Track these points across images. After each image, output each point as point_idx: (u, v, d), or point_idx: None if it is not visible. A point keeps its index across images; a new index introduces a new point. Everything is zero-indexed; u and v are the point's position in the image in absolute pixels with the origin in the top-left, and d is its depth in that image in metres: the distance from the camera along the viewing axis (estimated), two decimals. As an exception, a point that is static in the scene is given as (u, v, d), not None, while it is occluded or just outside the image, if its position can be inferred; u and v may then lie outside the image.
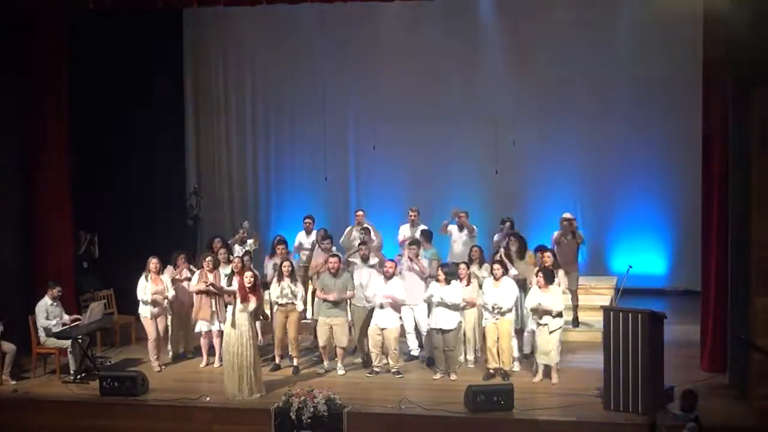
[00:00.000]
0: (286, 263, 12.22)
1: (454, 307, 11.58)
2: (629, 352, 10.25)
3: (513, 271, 12.05)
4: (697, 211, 11.93)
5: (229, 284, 11.72)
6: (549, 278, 11.41)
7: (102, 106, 14.82)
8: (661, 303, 13.63)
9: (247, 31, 17.27)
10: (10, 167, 13.24)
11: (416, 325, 12.44)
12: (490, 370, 11.60)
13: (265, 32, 17.22)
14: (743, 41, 10.65)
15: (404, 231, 13.83)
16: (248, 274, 11.32)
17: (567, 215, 13.65)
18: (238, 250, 14.10)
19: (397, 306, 11.89)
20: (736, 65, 10.93)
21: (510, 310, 11.57)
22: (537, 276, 11.47)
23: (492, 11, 16.33)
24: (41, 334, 12.18)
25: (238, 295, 11.18)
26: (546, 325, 11.27)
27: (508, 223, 13.53)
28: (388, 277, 11.85)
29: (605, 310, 10.69)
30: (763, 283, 10.47)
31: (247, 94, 17.68)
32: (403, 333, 12.42)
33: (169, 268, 12.78)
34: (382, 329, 11.79)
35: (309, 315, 13.14)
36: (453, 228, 13.71)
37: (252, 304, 11.16)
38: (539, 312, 11.28)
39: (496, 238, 13.62)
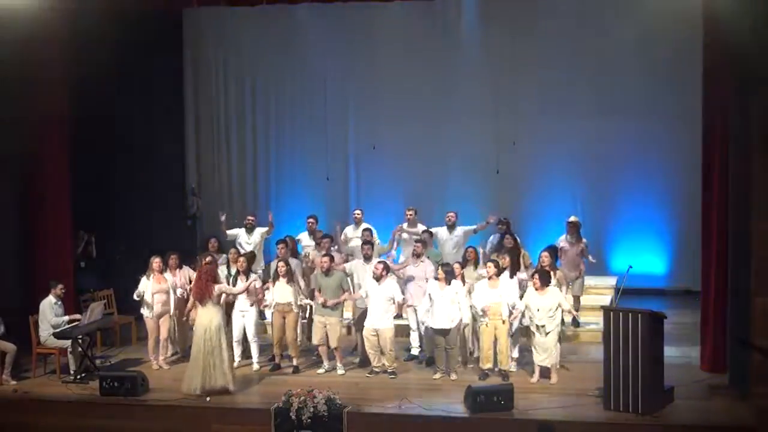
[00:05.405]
0: (281, 264, 12.19)
1: (456, 305, 11.56)
2: (629, 352, 10.25)
3: (522, 275, 12.05)
4: (697, 212, 11.91)
5: (234, 284, 11.90)
6: (545, 280, 11.38)
7: (102, 106, 14.80)
8: (661, 303, 13.61)
9: (247, 31, 17.27)
10: (10, 167, 13.23)
11: (419, 325, 12.41)
12: (485, 370, 11.60)
13: (265, 32, 17.21)
14: (743, 41, 10.65)
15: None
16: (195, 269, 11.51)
17: (571, 218, 13.65)
18: (244, 237, 14.07)
19: (397, 306, 11.88)
20: (736, 65, 10.93)
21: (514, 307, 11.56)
22: (533, 278, 11.45)
23: (492, 11, 16.33)
24: (42, 333, 12.18)
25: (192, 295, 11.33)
26: (543, 326, 11.28)
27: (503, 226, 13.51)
28: (377, 277, 11.79)
29: (605, 310, 10.67)
30: (763, 283, 10.47)
31: (247, 94, 17.67)
32: (405, 332, 12.44)
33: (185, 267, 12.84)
34: (377, 330, 11.77)
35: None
36: (442, 229, 13.70)
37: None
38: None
39: (491, 239, 13.62)
